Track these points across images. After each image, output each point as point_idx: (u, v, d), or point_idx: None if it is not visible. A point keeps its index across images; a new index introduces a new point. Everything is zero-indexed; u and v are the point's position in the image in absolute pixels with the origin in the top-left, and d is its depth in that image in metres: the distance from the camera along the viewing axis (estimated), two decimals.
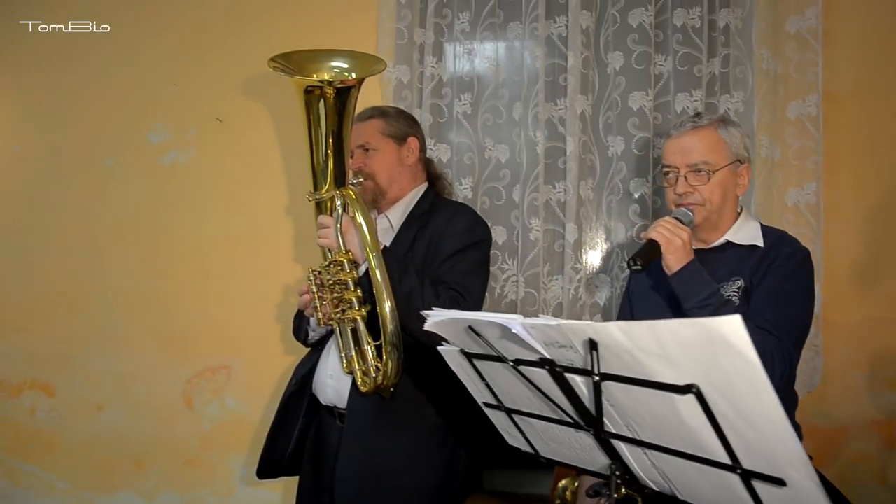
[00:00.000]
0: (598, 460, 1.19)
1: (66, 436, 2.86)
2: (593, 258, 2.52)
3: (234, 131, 2.78)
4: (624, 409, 1.02)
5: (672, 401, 0.92)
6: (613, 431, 1.08)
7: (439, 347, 1.31)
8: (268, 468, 2.10)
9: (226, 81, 2.77)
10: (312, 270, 1.86)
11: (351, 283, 1.80)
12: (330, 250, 1.85)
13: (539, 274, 2.51)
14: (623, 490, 1.19)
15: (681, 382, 0.89)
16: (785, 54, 2.34)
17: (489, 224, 2.55)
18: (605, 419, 1.06)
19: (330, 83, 1.79)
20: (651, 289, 1.87)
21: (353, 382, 1.88)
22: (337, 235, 1.81)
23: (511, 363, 1.12)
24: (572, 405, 1.10)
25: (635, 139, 2.44)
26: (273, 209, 2.73)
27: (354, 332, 1.85)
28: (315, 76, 1.82)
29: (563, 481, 2.35)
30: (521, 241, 2.55)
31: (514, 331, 1.02)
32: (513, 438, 1.38)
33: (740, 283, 1.69)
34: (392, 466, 1.89)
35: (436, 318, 1.18)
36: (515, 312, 2.50)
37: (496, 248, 2.57)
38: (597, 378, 0.99)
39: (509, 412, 1.29)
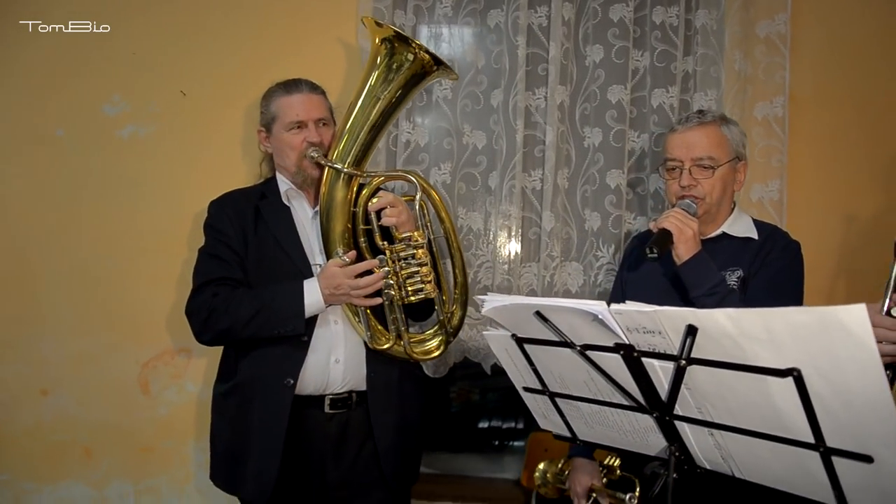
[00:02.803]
0: (651, 442, 1.24)
1: (6, 423, 2.67)
2: (567, 246, 2.58)
3: (198, 106, 2.65)
4: (703, 392, 1.07)
5: (765, 383, 0.97)
6: (682, 414, 1.13)
7: (485, 332, 1.32)
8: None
9: (191, 54, 2.64)
10: (391, 248, 1.87)
11: (428, 261, 1.89)
12: (398, 229, 1.88)
13: (513, 260, 2.56)
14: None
15: (782, 366, 0.94)
16: (754, 56, 2.48)
17: (464, 210, 2.58)
18: (676, 403, 1.11)
19: (427, 51, 1.78)
20: (645, 277, 1.95)
21: (369, 360, 1.94)
22: (412, 215, 1.88)
23: (579, 348, 1.15)
24: (640, 389, 1.14)
25: (613, 131, 2.51)
26: (237, 187, 2.64)
27: (408, 307, 1.94)
28: None
29: (542, 464, 2.42)
30: (495, 227, 2.58)
31: (599, 317, 1.05)
32: (548, 422, 1.41)
33: (739, 272, 1.79)
34: (414, 423, 2.06)
35: (498, 303, 1.19)
36: None
37: (471, 233, 2.60)
38: (683, 363, 1.03)
39: (553, 396, 1.32)
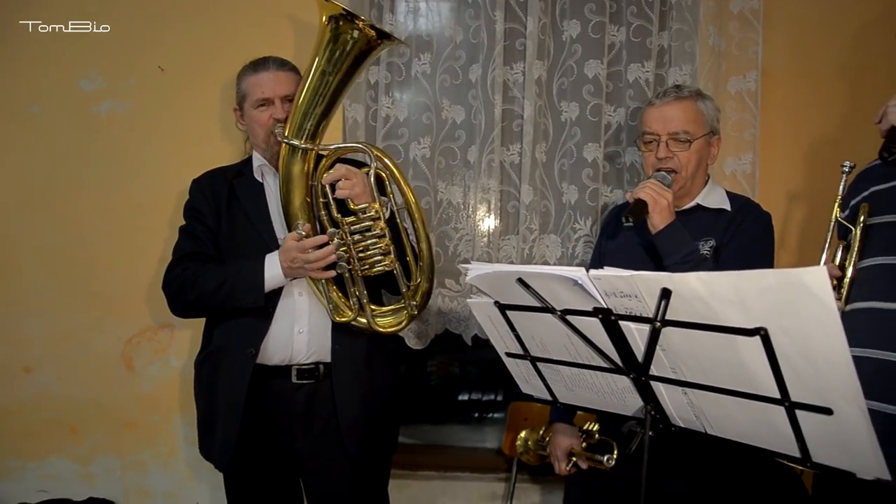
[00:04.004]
0: (628, 403, 1.29)
1: None
2: (546, 219, 2.63)
3: (176, 82, 2.65)
4: (677, 352, 1.12)
5: (734, 343, 1.03)
6: (657, 374, 1.18)
7: (468, 300, 1.36)
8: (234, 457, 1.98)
9: (168, 29, 2.63)
10: (345, 220, 1.86)
11: (387, 232, 1.86)
12: (353, 201, 1.87)
13: (493, 233, 2.60)
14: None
15: (750, 326, 0.99)
16: (728, 32, 2.53)
17: (444, 184, 2.62)
18: (651, 364, 1.16)
19: (373, 26, 1.78)
20: (622, 247, 2.00)
21: (334, 331, 1.95)
22: (368, 187, 1.86)
23: (560, 313, 1.19)
24: (618, 351, 1.19)
25: (590, 105, 2.55)
26: (218, 164, 2.63)
27: (368, 279, 1.92)
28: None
29: (524, 433, 2.49)
30: (475, 201, 2.61)
31: (578, 282, 1.09)
32: (530, 386, 1.47)
33: (712, 242, 1.85)
34: (384, 398, 2.05)
35: (481, 271, 1.23)
36: None
37: (450, 207, 2.63)
38: (658, 324, 1.08)
39: (534, 360, 1.37)
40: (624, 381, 1.25)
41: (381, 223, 1.86)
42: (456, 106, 2.62)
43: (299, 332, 1.97)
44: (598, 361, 1.25)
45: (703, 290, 0.99)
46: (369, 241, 1.87)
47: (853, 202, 1.62)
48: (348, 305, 1.93)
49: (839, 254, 1.58)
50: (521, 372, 1.44)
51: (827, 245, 1.55)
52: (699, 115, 1.88)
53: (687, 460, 1.75)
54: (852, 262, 1.49)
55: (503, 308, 1.30)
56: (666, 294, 1.03)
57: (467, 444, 3.02)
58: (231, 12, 2.63)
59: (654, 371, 1.18)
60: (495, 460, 2.78)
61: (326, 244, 1.83)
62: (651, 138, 1.90)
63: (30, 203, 2.65)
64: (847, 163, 1.57)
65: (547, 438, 2.26)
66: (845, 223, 1.53)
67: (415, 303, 1.97)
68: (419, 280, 1.96)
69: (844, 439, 1.02)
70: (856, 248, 1.49)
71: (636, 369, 1.20)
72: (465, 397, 3.42)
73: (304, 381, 1.98)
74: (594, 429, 2.01)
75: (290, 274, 1.90)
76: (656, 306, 1.06)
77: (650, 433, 1.24)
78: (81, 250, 2.66)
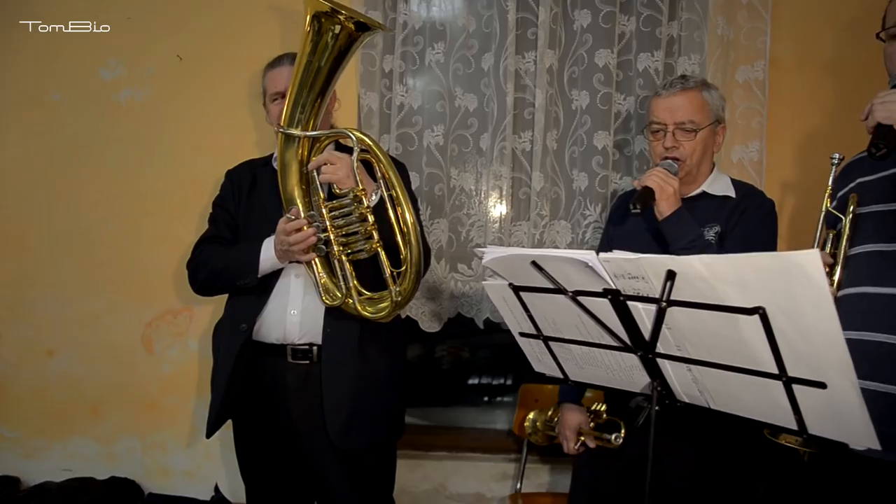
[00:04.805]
0: (635, 380, 1.35)
1: (14, 383, 2.76)
2: (556, 205, 2.68)
3: (195, 70, 2.71)
4: (682, 331, 1.18)
5: (735, 321, 1.08)
6: (663, 352, 1.24)
7: (484, 283, 1.43)
8: (218, 425, 2.07)
9: (186, 18, 2.70)
10: (325, 205, 1.90)
11: (369, 217, 1.87)
12: (336, 186, 1.91)
13: (504, 219, 2.65)
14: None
15: (749, 305, 1.05)
16: (737, 21, 2.57)
17: (457, 171, 2.67)
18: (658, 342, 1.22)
19: (351, 18, 1.83)
20: (630, 233, 2.05)
21: (327, 314, 1.98)
22: (351, 171, 1.87)
23: (571, 294, 1.25)
24: (626, 330, 1.24)
25: (600, 94, 2.60)
26: (237, 151, 2.69)
27: (356, 263, 1.93)
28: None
29: (532, 414, 2.55)
30: (487, 187, 2.67)
31: (589, 264, 1.15)
32: (542, 365, 1.53)
33: (717, 228, 1.89)
34: (378, 386, 2.04)
35: (497, 254, 1.29)
36: None
37: (463, 194, 2.69)
38: (664, 304, 1.14)
39: (546, 340, 1.43)
40: (632, 359, 1.31)
41: (363, 207, 1.87)
42: (469, 94, 2.67)
43: (292, 312, 2.02)
44: (608, 340, 1.30)
45: (705, 272, 1.05)
46: (352, 226, 1.89)
47: (840, 193, 1.66)
48: (338, 288, 1.96)
49: (828, 243, 1.61)
50: (533, 351, 1.50)
51: (818, 234, 1.59)
52: (704, 105, 1.93)
53: (691, 436, 1.81)
54: (843, 250, 1.53)
55: (517, 290, 1.36)
56: (671, 275, 1.09)
57: (478, 425, 3.09)
58: (249, 1, 2.68)
59: (660, 349, 1.23)
60: (505, 441, 2.84)
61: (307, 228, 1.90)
62: (658, 128, 1.94)
63: (52, 188, 2.73)
64: (836, 155, 1.61)
65: (555, 419, 2.32)
66: (834, 212, 1.57)
67: (398, 289, 1.89)
68: (405, 267, 1.89)
69: (837, 411, 1.07)
70: (846, 237, 1.53)
71: (643, 347, 1.25)
72: (476, 381, 3.48)
73: (299, 362, 2.02)
74: (602, 409, 2.07)
75: (282, 257, 1.98)
76: (662, 287, 1.11)
77: (657, 408, 1.30)
78: (102, 235, 2.73)
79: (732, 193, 1.95)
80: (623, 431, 1.94)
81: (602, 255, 1.15)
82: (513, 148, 2.63)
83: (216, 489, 2.73)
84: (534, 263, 1.25)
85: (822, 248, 1.57)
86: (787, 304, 1.01)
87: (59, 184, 2.73)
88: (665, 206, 1.81)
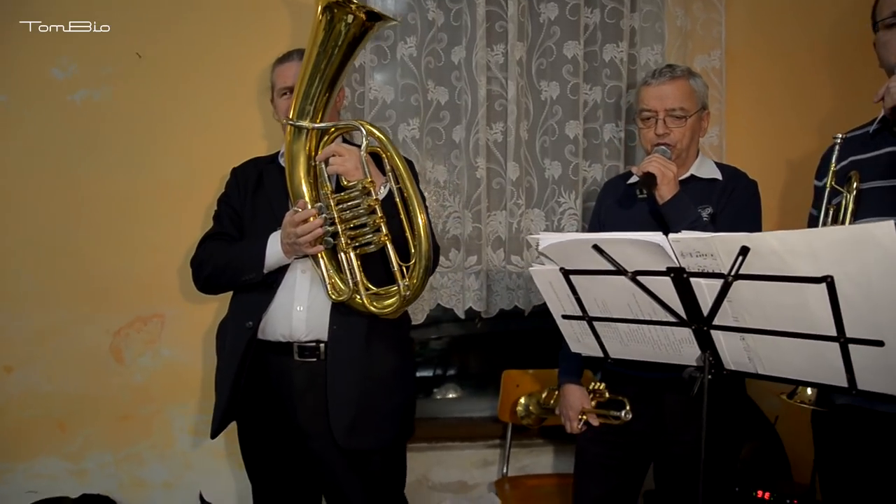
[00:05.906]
0: (683, 352, 1.43)
1: None
2: (530, 194, 2.75)
3: (155, 68, 2.61)
4: (742, 302, 1.26)
5: (802, 290, 1.18)
6: (720, 324, 1.32)
7: (531, 269, 1.47)
8: (223, 424, 2.03)
9: (143, 14, 2.60)
10: (333, 196, 1.88)
11: (378, 209, 1.86)
12: (345, 177, 1.89)
13: (480, 209, 2.70)
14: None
15: (818, 275, 1.14)
16: (693, 13, 2.72)
17: (431, 164, 2.70)
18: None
19: (363, 8, 1.82)
20: (631, 218, 2.14)
21: (333, 311, 1.96)
22: (360, 163, 1.87)
23: (631, 274, 1.31)
24: (684, 305, 1.32)
25: (570, 85, 2.68)
26: (202, 154, 2.63)
27: (363, 259, 1.92)
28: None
29: (524, 398, 2.61)
30: (464, 179, 2.70)
31: (660, 245, 1.22)
32: (580, 345, 1.59)
33: (709, 209, 2.01)
34: (385, 385, 2.01)
35: (554, 240, 1.34)
36: (459, 246, 2.68)
37: (438, 186, 2.72)
38: (731, 279, 1.22)
39: (591, 320, 1.49)
40: (683, 333, 1.39)
41: (372, 199, 1.86)
42: (440, 87, 2.69)
43: (299, 308, 1.99)
44: (661, 316, 1.37)
45: (778, 246, 1.14)
46: (360, 218, 1.88)
47: (832, 171, 1.77)
48: (346, 283, 1.93)
49: (829, 217, 1.73)
50: (573, 332, 1.56)
51: (823, 210, 1.71)
52: (692, 92, 2.04)
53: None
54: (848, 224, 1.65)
55: (567, 273, 1.41)
56: (744, 251, 1.17)
57: (456, 414, 3.12)
58: None
59: (717, 321, 1.32)
60: (489, 427, 2.90)
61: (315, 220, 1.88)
62: (649, 115, 2.04)
63: (5, 195, 2.57)
64: (839, 135, 1.72)
65: (551, 401, 2.39)
66: (839, 188, 1.69)
67: (406, 283, 1.88)
68: (414, 261, 1.88)
69: (891, 365, 1.19)
70: (850, 212, 1.66)
71: (699, 321, 1.33)
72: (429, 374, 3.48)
73: (306, 360, 1.99)
74: (602, 387, 2.14)
75: (288, 251, 1.94)
76: (732, 263, 1.19)
77: (709, 376, 1.38)
78: (62, 242, 2.59)
79: (719, 176, 2.07)
80: (629, 406, 2.03)
81: (672, 235, 1.22)
82: (486, 139, 2.67)
83: (201, 498, 2.65)
84: (595, 247, 1.30)
85: (825, 223, 1.69)
86: (856, 271, 1.11)
87: (12, 190, 2.57)
88: (666, 191, 1.90)
